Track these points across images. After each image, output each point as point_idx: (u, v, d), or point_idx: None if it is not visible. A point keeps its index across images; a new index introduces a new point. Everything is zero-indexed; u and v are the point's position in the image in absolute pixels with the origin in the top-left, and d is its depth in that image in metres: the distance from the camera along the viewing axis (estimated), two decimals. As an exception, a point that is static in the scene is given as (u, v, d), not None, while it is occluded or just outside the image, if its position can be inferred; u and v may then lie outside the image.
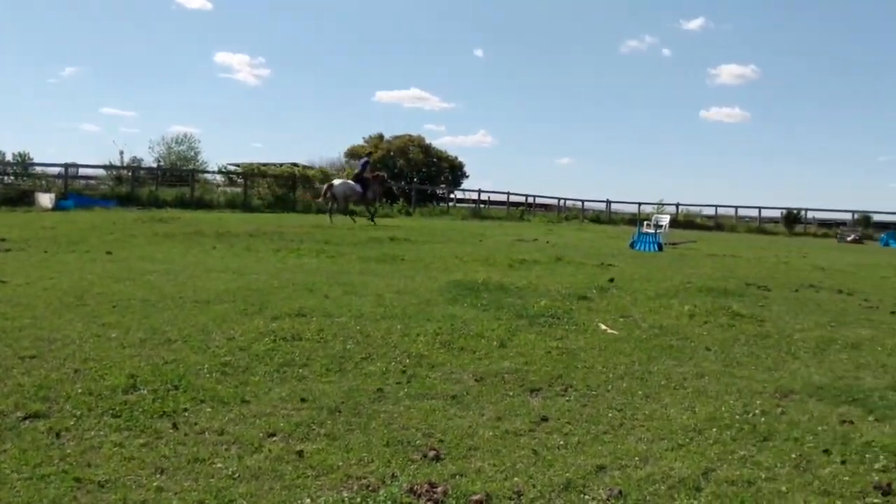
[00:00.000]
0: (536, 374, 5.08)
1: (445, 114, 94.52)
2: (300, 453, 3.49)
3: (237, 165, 40.42)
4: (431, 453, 3.54)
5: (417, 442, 3.72)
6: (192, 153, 48.82)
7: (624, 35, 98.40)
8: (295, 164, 40.41)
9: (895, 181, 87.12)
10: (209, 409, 4.08)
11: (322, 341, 5.71)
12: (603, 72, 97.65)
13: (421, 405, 4.31)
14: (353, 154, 51.22)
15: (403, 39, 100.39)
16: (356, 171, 26.99)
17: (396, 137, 52.35)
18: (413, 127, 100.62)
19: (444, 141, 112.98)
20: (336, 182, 25.60)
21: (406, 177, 49.55)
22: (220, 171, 40.62)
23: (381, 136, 52.79)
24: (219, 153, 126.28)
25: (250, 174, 35.59)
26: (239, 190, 34.76)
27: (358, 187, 25.41)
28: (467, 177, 55.65)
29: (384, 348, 5.60)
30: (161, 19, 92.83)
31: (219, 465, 3.33)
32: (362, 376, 4.86)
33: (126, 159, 37.17)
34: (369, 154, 29.13)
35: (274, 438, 3.69)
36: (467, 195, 48.41)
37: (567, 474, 3.35)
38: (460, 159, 54.96)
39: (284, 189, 34.79)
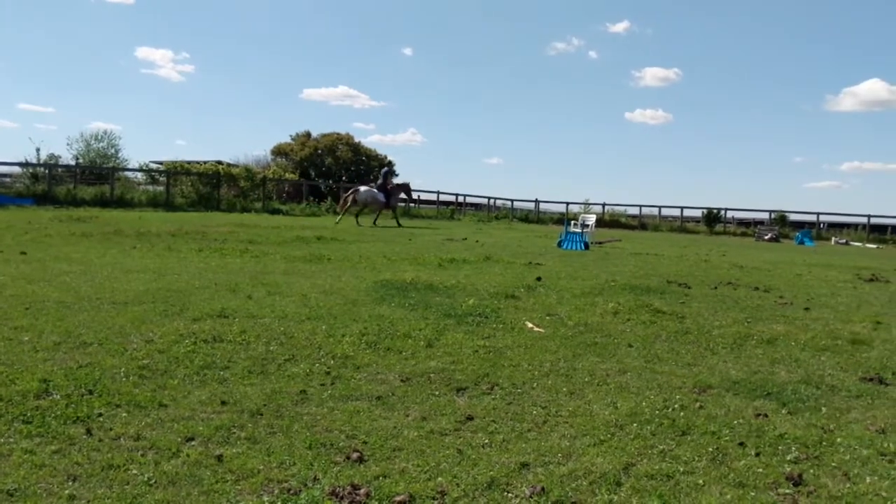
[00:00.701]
0: (463, 373, 5.09)
1: (375, 112, 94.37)
2: (219, 458, 3.40)
3: (160, 163, 39.47)
4: (355, 455, 3.50)
5: (341, 444, 3.67)
6: (113, 150, 47.49)
7: (551, 37, 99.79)
8: (220, 162, 39.68)
9: (810, 182, 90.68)
10: (125, 414, 3.94)
11: (244, 343, 5.60)
12: (531, 73, 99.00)
13: (345, 407, 4.25)
14: (279, 151, 50.58)
15: (331, 37, 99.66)
16: (379, 180, 28.03)
17: (324, 135, 51.86)
18: (342, 125, 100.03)
19: (373, 139, 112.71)
20: (362, 188, 27.00)
21: (334, 175, 49.15)
22: (141, 169, 39.56)
23: (308, 134, 52.21)
24: (141, 151, 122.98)
25: (173, 172, 34.72)
26: (161, 188, 33.94)
27: (381, 196, 26.82)
28: (397, 175, 55.33)
29: (308, 349, 5.52)
30: (81, 13, 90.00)
31: (134, 471, 3.22)
32: (285, 378, 4.77)
33: (43, 156, 35.88)
34: (390, 163, 28.92)
35: (192, 443, 3.58)
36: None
37: (491, 473, 3.36)
38: (390, 158, 54.82)
39: (209, 187, 34.09)
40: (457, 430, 3.95)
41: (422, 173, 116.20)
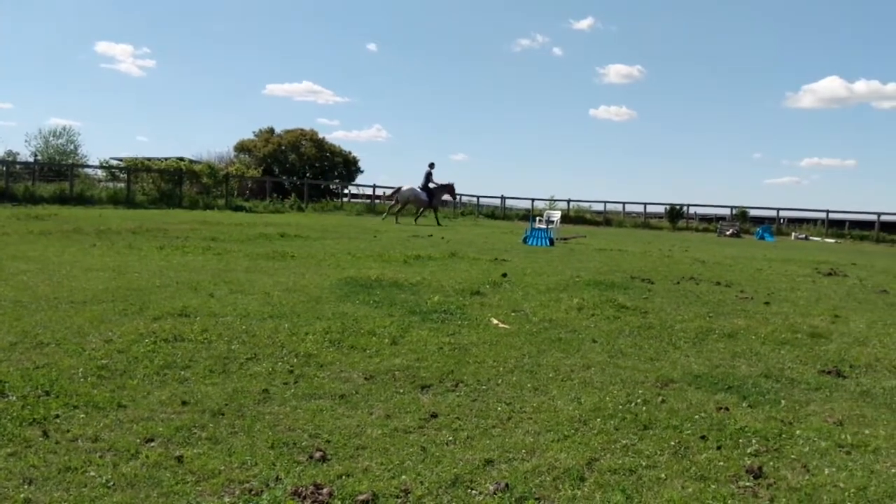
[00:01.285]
0: (427, 370, 5.07)
1: (339, 108, 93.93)
2: (180, 458, 3.34)
3: (120, 160, 38.90)
4: (318, 454, 3.47)
5: (303, 443, 3.64)
6: (72, 147, 46.67)
7: (516, 34, 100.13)
8: (181, 159, 39.15)
9: (770, 178, 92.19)
10: (83, 415, 3.86)
11: (206, 342, 5.52)
12: (496, 69, 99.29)
13: (308, 405, 4.21)
14: (242, 148, 50.12)
15: (295, 32, 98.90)
16: (423, 180, 28.57)
17: (288, 132, 51.48)
18: (306, 121, 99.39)
19: (337, 135, 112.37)
20: (405, 187, 27.98)
21: (298, 171, 48.82)
22: (101, 166, 38.96)
23: (271, 130, 51.80)
24: (101, 147, 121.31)
25: (134, 169, 34.15)
26: (122, 185, 33.44)
27: (423, 196, 27.97)
28: (362, 172, 55.40)
29: (271, 348, 5.46)
30: (39, 7, 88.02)
31: (92, 473, 3.15)
32: (247, 377, 4.71)
33: (0, 153, 35.08)
34: (432, 164, 29.36)
35: (152, 444, 3.52)
36: (362, 190, 48.17)
37: (455, 470, 3.35)
38: (354, 154, 54.64)
39: (170, 184, 33.62)
40: (421, 427, 3.93)
41: (387, 169, 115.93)
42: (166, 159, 37.92)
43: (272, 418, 3.98)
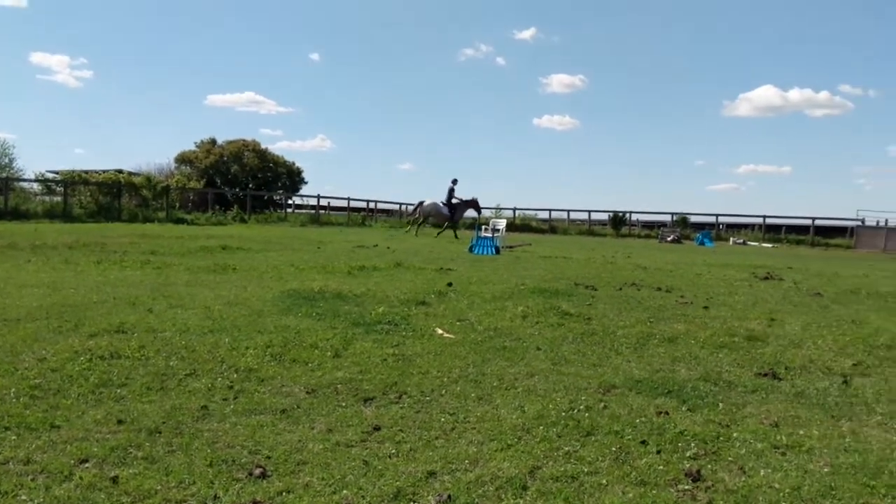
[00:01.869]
0: (371, 382, 5.03)
1: (283, 118, 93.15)
2: (115, 479, 3.25)
3: (56, 173, 37.90)
4: (257, 471, 3.41)
5: (243, 460, 3.57)
6: (6, 160, 45.16)
7: (460, 43, 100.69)
8: (120, 171, 38.39)
9: (710, 184, 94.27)
10: (14, 437, 3.72)
11: (143, 358, 5.39)
12: (441, 78, 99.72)
13: (248, 421, 4.14)
14: (183, 159, 49.31)
15: (236, 41, 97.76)
16: (446, 195, 29.12)
17: (230, 142, 50.84)
18: (249, 131, 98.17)
19: (281, 146, 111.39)
20: (427, 202, 28.66)
21: (241, 183, 48.21)
22: (37, 179, 37.82)
23: (213, 141, 51.08)
24: (37, 160, 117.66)
25: (71, 182, 33.35)
26: (59, 199, 32.54)
27: (445, 210, 28.55)
28: (306, 182, 55.00)
29: (210, 363, 5.36)
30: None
31: (24, 497, 3.04)
32: (186, 394, 4.61)
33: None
34: (455, 181, 29.49)
35: (86, 465, 3.41)
36: (306, 201, 47.84)
37: (397, 483, 3.32)
38: (298, 164, 54.24)
39: (109, 197, 32.89)
40: (363, 441, 3.90)
41: (332, 180, 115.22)
42: (104, 172, 37.11)
43: (211, 435, 3.90)
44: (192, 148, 50.79)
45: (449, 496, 3.17)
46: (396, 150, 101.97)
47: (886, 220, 42.89)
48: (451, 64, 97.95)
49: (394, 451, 3.75)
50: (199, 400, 4.49)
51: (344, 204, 45.63)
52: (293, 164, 53.73)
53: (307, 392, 4.77)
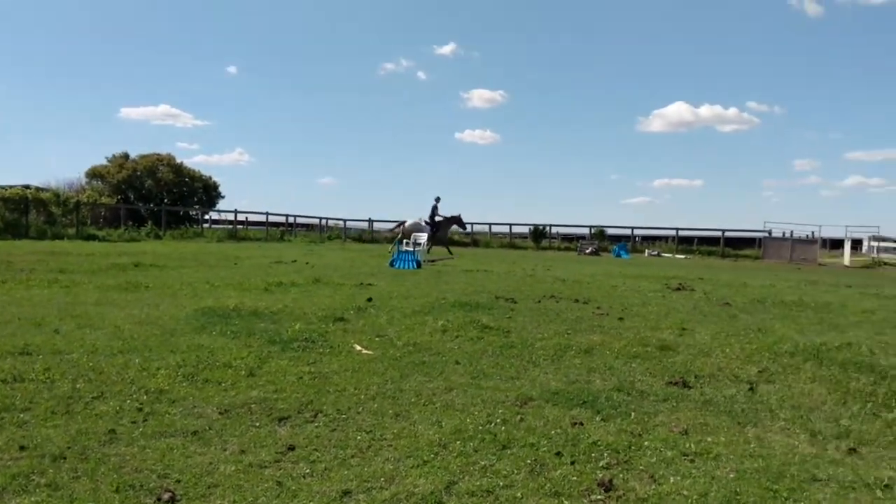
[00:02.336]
0: (286, 401, 4.94)
1: (199, 132, 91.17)
2: (12, 512, 3.09)
3: (-43, 189, 36.03)
4: (166, 495, 3.29)
5: (151, 484, 3.45)
6: None
7: (381, 58, 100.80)
8: (27, 186, 36.87)
9: (626, 198, 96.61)
10: None
11: (48, 381, 5.16)
12: (362, 92, 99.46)
13: (157, 444, 4.01)
14: (95, 174, 47.69)
15: (151, 53, 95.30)
16: (429, 213, 29.21)
17: (144, 156, 49.45)
18: (164, 145, 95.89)
19: (198, 160, 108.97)
20: (408, 221, 28.32)
21: (155, 198, 46.95)
22: (-64, 195, 35.94)
23: (126, 156, 49.56)
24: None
25: (-27, 198, 31.79)
26: (-41, 216, 30.96)
27: (427, 228, 28.07)
28: (223, 197, 53.99)
29: (119, 385, 5.17)
30: None
31: None
32: (92, 417, 4.43)
33: None
34: (438, 198, 29.60)
35: (-18, 496, 3.24)
36: (223, 216, 46.91)
37: (311, 503, 3.26)
38: (215, 179, 53.18)
39: (16, 214, 31.53)
40: (277, 461, 3.82)
41: (250, 194, 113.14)
42: (11, 187, 35.56)
43: (118, 460, 3.76)
44: (104, 162, 49.22)
45: (363, 515, 3.13)
46: (316, 164, 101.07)
47: (792, 232, 44.78)
48: (371, 78, 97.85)
49: (308, 470, 3.68)
50: (107, 423, 4.33)
51: (262, 219, 44.90)
52: (210, 178, 52.68)
53: (220, 412, 4.65)
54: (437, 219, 29.40)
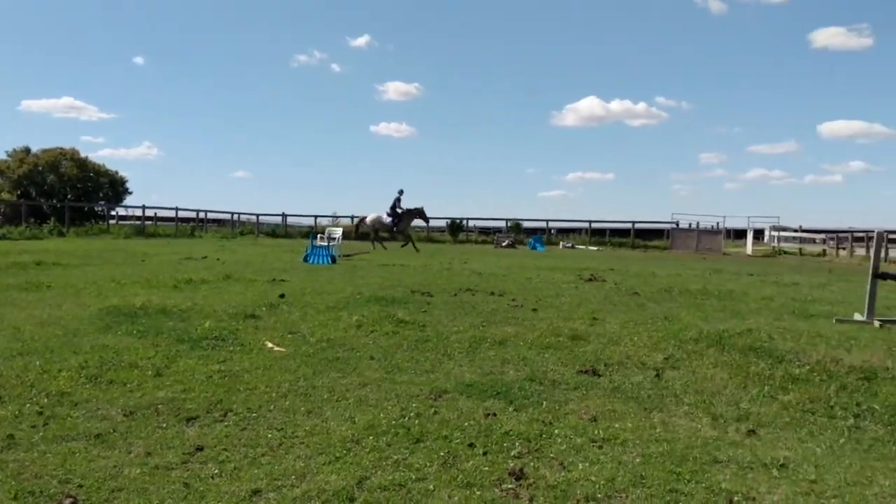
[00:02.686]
0: (194, 401, 4.82)
1: (105, 125, 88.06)
2: None
3: None
4: (68, 501, 3.17)
5: (52, 490, 3.31)
6: None
7: (293, 49, 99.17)
8: (-82, 183, 34.81)
9: (542, 191, 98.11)
10: None
11: (-63, 388, 4.89)
12: (275, 84, 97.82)
13: (58, 449, 3.85)
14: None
15: (52, 43, 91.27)
16: (391, 205, 29.42)
17: (46, 151, 47.48)
18: (68, 139, 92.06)
19: (103, 154, 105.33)
20: (368, 217, 29.58)
21: (58, 194, 45.11)
22: None
23: (27, 150, 47.48)
24: None
25: None
26: None
27: (388, 220, 29.10)
28: (130, 192, 52.40)
29: (19, 388, 4.95)
30: None
31: None
32: (-13, 424, 4.23)
33: None
34: (401, 191, 29.37)
35: None
36: (131, 212, 45.39)
37: (220, 504, 3.20)
38: (122, 174, 51.56)
39: None
40: (185, 462, 3.72)
41: (159, 189, 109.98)
42: None
43: (17, 466, 3.60)
44: (3, 157, 47.03)
45: (273, 514, 3.09)
46: (228, 157, 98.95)
47: (698, 223, 46.42)
48: (284, 69, 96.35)
49: (217, 471, 3.61)
50: (5, 428, 4.15)
51: (172, 214, 43.58)
52: (116, 172, 51.07)
53: (125, 414, 4.50)
54: (399, 210, 29.40)
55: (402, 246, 28.80)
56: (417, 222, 31.48)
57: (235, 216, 48.45)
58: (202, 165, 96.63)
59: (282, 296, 9.85)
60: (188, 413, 4.56)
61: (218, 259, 18.36)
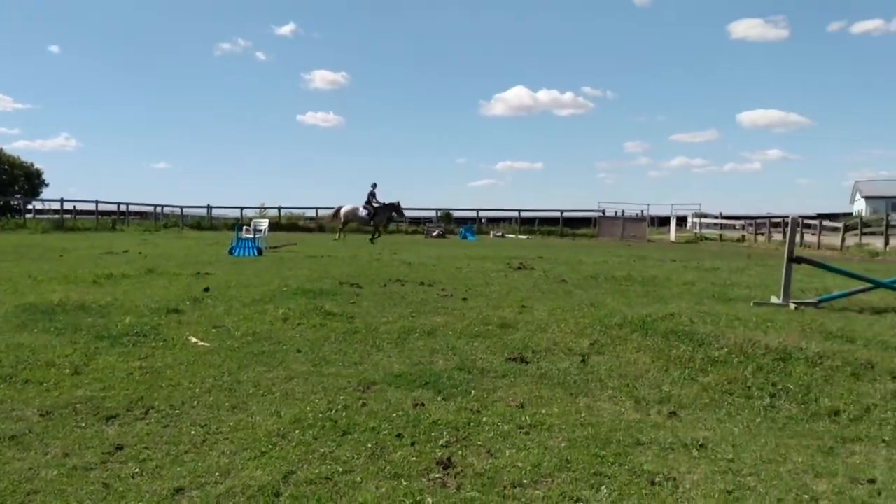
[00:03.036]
0: (114, 399, 4.68)
1: (20, 115, 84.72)
2: None
3: None
4: (-23, 509, 3.05)
5: (-39, 498, 3.18)
6: None
7: (216, 37, 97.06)
8: None
9: (472, 181, 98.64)
10: None
11: None
12: (197, 74, 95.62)
13: (-32, 454, 3.70)
14: None
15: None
16: (366, 199, 29.75)
17: (-45, 143, 45.30)
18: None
19: (18, 146, 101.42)
20: (345, 207, 30.04)
21: (-31, 187, 43.17)
22: None
23: (-66, 142, 45.22)
24: None
25: None
26: None
27: (363, 213, 29.53)
28: (47, 185, 50.46)
29: (-76, 392, 4.73)
30: None
31: None
32: None
33: None
34: (374, 185, 29.50)
35: None
36: (48, 205, 43.70)
37: (141, 503, 3.12)
38: (38, 166, 49.59)
39: None
40: (104, 462, 3.62)
41: (78, 181, 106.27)
42: None
43: (-77, 473, 3.44)
44: None
45: (196, 512, 3.03)
46: (150, 148, 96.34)
47: (623, 211, 47.38)
48: (207, 58, 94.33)
49: (138, 470, 3.52)
50: None
51: (92, 207, 42.16)
52: (31, 165, 49.11)
53: (41, 415, 4.35)
54: (375, 204, 29.57)
55: (371, 239, 28.65)
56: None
57: (159, 208, 47.17)
58: (123, 157, 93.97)
59: (206, 289, 9.64)
60: (108, 412, 4.43)
61: (140, 253, 17.87)
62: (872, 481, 3.52)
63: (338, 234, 29.64)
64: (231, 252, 18.19)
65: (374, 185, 29.96)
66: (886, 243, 26.35)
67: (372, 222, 29.87)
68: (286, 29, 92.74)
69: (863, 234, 31.65)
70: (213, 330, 7.05)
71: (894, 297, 9.69)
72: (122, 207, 44.80)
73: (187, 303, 8.53)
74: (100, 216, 41.61)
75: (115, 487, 3.31)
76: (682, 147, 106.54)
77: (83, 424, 4.21)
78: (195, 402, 4.66)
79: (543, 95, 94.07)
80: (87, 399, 4.67)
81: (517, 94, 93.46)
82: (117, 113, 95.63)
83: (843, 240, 28.83)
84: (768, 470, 3.65)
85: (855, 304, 9.26)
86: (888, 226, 27.85)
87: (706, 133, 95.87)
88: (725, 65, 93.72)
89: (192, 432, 4.08)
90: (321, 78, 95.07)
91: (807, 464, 3.75)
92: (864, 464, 3.79)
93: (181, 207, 47.47)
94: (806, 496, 3.33)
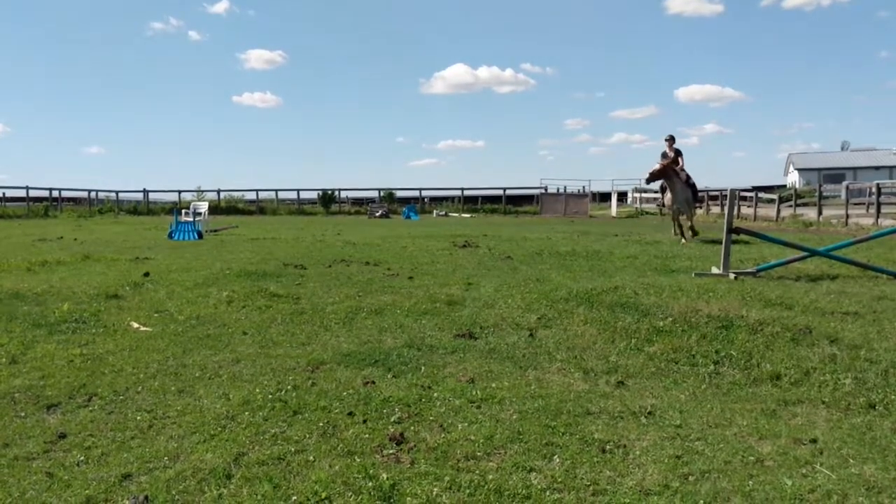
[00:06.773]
0: (55, 387, 4.55)
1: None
2: None
3: None
4: (-88, 505, 2.93)
5: None
6: None
7: (146, 16, 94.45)
8: None
9: (412, 161, 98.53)
10: None
11: None
12: (128, 54, 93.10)
13: None
14: None
15: None
16: None
17: None
18: None
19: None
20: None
21: None
22: None
23: None
24: None
25: None
26: None
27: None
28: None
29: None
30: None
31: None
32: None
33: None
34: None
35: None
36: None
37: (87, 492, 3.04)
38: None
39: None
40: (47, 452, 3.51)
41: (8, 167, 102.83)
42: None
43: None
44: None
45: (146, 497, 2.97)
46: (81, 132, 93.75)
47: (566, 187, 47.91)
48: (137, 38, 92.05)
49: (82, 458, 3.43)
50: None
51: (22, 194, 40.79)
52: (-44, 151, 47.19)
53: (-24, 407, 4.20)
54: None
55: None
56: (287, 195, 30.98)
57: (93, 194, 45.92)
58: (53, 142, 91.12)
59: (146, 274, 9.43)
60: (48, 400, 4.30)
61: (75, 239, 17.37)
62: (814, 441, 3.64)
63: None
64: (171, 236, 17.84)
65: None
66: (819, 214, 27.21)
67: None
68: (220, 7, 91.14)
69: (797, 205, 32.67)
70: (156, 315, 6.91)
71: (829, 265, 10.01)
72: (55, 193, 43.41)
73: (127, 288, 8.33)
74: (31, 203, 40.27)
75: (60, 476, 3.22)
76: (621, 123, 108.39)
77: (23, 414, 4.08)
78: (140, 388, 4.55)
79: (484, 73, 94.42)
80: (25, 388, 4.53)
81: (457, 72, 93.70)
82: (45, 97, 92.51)
83: (779, 211, 29.62)
84: (714, 434, 3.74)
85: (792, 272, 9.54)
86: (821, 197, 28.85)
87: (645, 109, 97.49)
88: (663, 40, 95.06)
89: (138, 418, 3.99)
90: (257, 57, 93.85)
91: (751, 427, 3.86)
92: (806, 425, 3.91)
93: (117, 192, 46.33)
94: (751, 458, 3.42)
